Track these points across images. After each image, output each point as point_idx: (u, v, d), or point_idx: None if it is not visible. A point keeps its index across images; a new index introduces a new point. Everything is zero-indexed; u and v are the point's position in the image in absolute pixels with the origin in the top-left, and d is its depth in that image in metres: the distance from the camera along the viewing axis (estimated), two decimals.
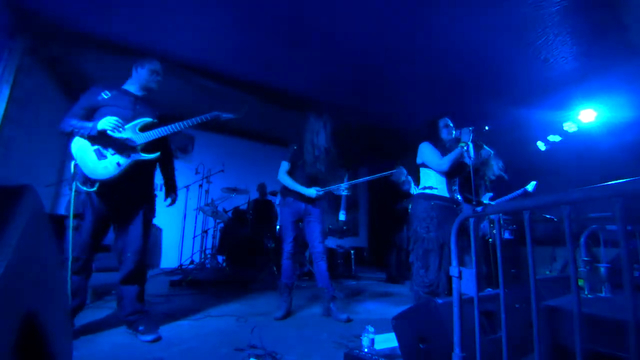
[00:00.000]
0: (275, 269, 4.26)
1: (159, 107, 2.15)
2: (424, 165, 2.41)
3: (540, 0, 2.66)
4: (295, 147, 2.68)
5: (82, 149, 1.84)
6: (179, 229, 5.56)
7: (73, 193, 1.78)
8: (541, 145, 4.57)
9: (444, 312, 1.29)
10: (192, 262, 4.98)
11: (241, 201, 5.31)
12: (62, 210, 3.02)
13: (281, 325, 2.32)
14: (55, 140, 3.55)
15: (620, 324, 0.86)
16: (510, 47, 3.28)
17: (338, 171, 2.79)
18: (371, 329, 1.68)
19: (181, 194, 5.52)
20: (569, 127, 4.26)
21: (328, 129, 2.68)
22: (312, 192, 2.58)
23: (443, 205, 2.27)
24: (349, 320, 2.44)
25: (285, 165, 2.69)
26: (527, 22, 2.91)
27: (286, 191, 2.70)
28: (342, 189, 2.70)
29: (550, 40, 3.15)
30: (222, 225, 4.98)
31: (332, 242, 5.20)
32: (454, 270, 1.15)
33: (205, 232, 4.93)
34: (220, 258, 4.88)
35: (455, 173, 2.36)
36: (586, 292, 1.37)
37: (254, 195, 5.32)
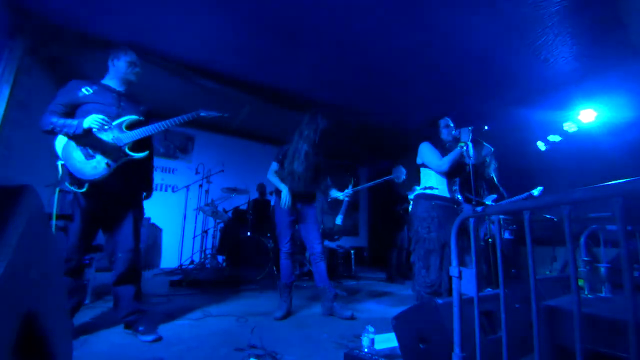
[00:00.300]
0: (275, 269, 4.26)
1: (143, 102, 2.09)
2: (424, 166, 2.41)
3: (540, 0, 2.66)
4: (286, 148, 2.69)
5: (67, 148, 1.78)
6: (179, 229, 5.56)
7: (57, 194, 1.74)
8: (541, 145, 4.57)
9: (444, 312, 1.30)
10: (192, 262, 4.99)
11: (241, 201, 5.31)
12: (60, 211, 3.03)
13: (281, 325, 2.32)
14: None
15: (620, 324, 0.86)
16: (510, 47, 3.28)
17: (321, 175, 2.78)
18: (371, 329, 1.68)
19: (181, 194, 5.59)
20: (569, 127, 4.26)
21: (318, 133, 2.64)
22: (285, 193, 2.58)
23: (444, 206, 2.27)
24: (353, 317, 2.46)
25: (274, 165, 2.71)
26: (527, 22, 2.91)
27: (280, 191, 2.70)
28: (344, 195, 2.72)
29: (550, 40, 3.15)
30: (222, 225, 4.98)
31: (332, 242, 5.20)
32: (454, 270, 1.15)
33: (205, 232, 4.93)
34: (220, 258, 4.88)
35: (455, 173, 2.36)
36: (586, 292, 1.37)
37: (254, 195, 5.33)
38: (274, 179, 2.68)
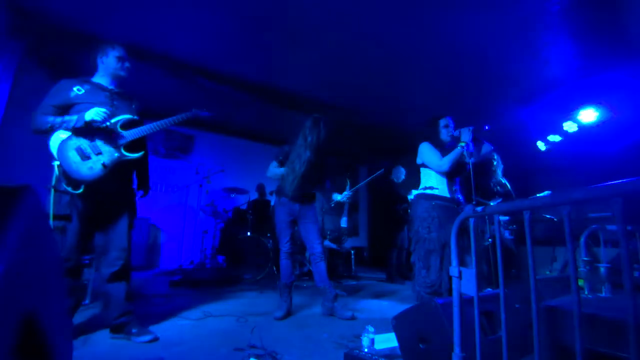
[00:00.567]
0: (275, 269, 4.26)
1: (134, 98, 2.06)
2: (424, 166, 2.41)
3: (540, 0, 2.66)
4: (286, 149, 2.69)
5: (63, 149, 1.75)
6: (179, 229, 5.56)
7: (52, 194, 1.71)
8: (541, 145, 4.57)
9: (444, 312, 1.29)
10: (192, 262, 4.99)
11: (241, 201, 5.31)
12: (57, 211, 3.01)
13: (281, 325, 2.32)
14: None
15: (620, 324, 0.86)
16: (511, 47, 3.28)
17: (322, 177, 2.76)
18: (371, 329, 1.68)
19: (181, 194, 5.58)
20: (569, 127, 4.26)
21: (322, 140, 2.59)
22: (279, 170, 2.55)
23: (444, 206, 2.27)
24: (353, 317, 2.46)
25: (273, 164, 2.70)
26: (527, 22, 2.91)
27: (281, 191, 2.70)
28: (344, 197, 2.71)
29: (550, 40, 3.15)
30: (222, 225, 4.98)
31: (339, 247, 5.20)
32: (453, 270, 1.15)
33: (205, 232, 4.93)
34: (220, 258, 4.88)
35: (456, 173, 2.36)
36: (586, 292, 1.37)
37: (254, 195, 5.33)
38: (274, 171, 2.64)
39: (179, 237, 5.55)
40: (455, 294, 1.13)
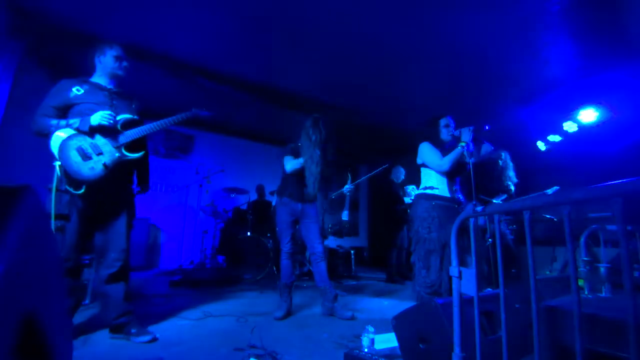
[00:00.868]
0: (275, 269, 4.26)
1: (133, 97, 2.06)
2: (425, 166, 2.41)
3: (540, 0, 2.66)
4: (292, 146, 2.68)
5: (64, 149, 1.75)
6: (179, 229, 5.56)
7: (54, 194, 1.72)
8: (541, 145, 4.57)
9: (444, 312, 1.30)
10: (192, 262, 4.99)
11: (241, 201, 5.31)
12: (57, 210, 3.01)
13: (281, 325, 2.32)
14: None
15: (620, 324, 0.86)
16: (510, 47, 3.28)
17: (330, 177, 2.77)
18: (371, 329, 1.68)
19: (181, 194, 5.58)
20: (569, 127, 4.26)
21: (324, 136, 2.61)
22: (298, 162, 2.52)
23: (444, 205, 2.26)
24: (353, 318, 2.46)
25: (289, 158, 2.64)
26: (527, 22, 2.91)
27: (283, 191, 2.70)
28: (346, 190, 2.72)
29: (550, 40, 3.15)
30: (222, 225, 4.98)
31: (332, 242, 5.20)
32: (453, 270, 1.15)
33: (205, 232, 4.93)
34: (220, 258, 4.88)
35: (456, 173, 2.36)
36: (586, 292, 1.37)
37: (254, 195, 5.33)
38: (293, 163, 2.59)
39: (179, 237, 5.54)
40: (455, 294, 1.13)
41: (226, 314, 2.48)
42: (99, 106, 1.85)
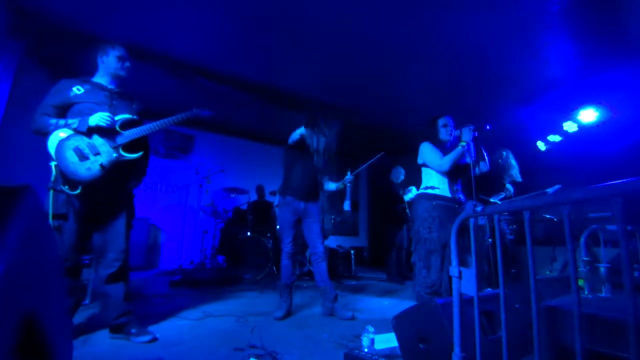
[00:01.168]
0: (275, 269, 4.26)
1: (135, 98, 2.05)
2: (425, 165, 2.41)
3: (540, 0, 2.66)
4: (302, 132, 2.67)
5: (60, 149, 1.74)
6: (179, 229, 5.56)
7: (51, 195, 1.71)
8: (541, 145, 4.57)
9: (444, 312, 1.29)
10: (192, 262, 4.99)
11: (241, 201, 5.31)
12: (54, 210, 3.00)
13: (281, 325, 2.32)
14: None
15: (620, 324, 0.86)
16: (510, 47, 3.28)
17: (333, 168, 2.81)
18: (371, 329, 1.68)
19: (181, 194, 5.58)
20: (569, 127, 4.26)
21: (325, 133, 2.66)
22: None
23: (445, 205, 2.26)
24: (353, 318, 2.46)
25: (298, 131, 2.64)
26: (527, 22, 2.91)
27: (285, 189, 2.70)
28: (347, 180, 2.73)
29: (550, 40, 3.15)
30: (222, 225, 4.98)
31: (332, 242, 5.20)
32: (453, 270, 1.15)
33: (205, 232, 4.93)
34: (220, 258, 4.88)
35: (457, 173, 2.36)
36: (586, 292, 1.37)
37: (254, 195, 5.33)
38: (294, 134, 2.62)
39: (179, 237, 5.55)
40: (455, 294, 1.13)
41: (226, 314, 2.48)
42: (99, 106, 1.84)
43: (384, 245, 4.91)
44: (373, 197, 7.92)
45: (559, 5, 2.68)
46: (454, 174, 2.34)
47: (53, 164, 1.73)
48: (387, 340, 1.69)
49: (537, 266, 0.95)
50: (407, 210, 4.57)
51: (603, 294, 1.33)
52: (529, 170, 3.91)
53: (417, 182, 2.55)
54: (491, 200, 3.10)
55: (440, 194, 2.29)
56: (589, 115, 4.12)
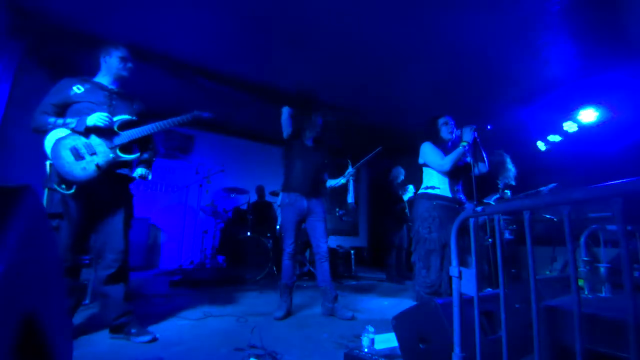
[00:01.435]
0: (275, 269, 4.26)
1: (136, 99, 2.05)
2: (426, 165, 2.40)
3: (540, 0, 2.66)
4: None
5: (57, 148, 1.73)
6: (179, 229, 5.56)
7: (46, 195, 1.71)
8: (541, 145, 4.57)
9: (444, 312, 1.29)
10: (192, 262, 4.99)
11: (241, 201, 5.31)
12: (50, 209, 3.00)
13: (281, 325, 2.32)
14: None
15: (620, 324, 0.86)
16: (510, 47, 3.28)
17: (325, 172, 2.84)
18: (371, 329, 1.68)
19: (181, 194, 5.58)
20: (569, 127, 4.25)
21: (318, 126, 2.80)
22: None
23: (445, 205, 2.26)
24: (353, 318, 2.46)
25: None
26: (527, 22, 2.91)
27: (288, 185, 2.69)
28: (348, 174, 2.74)
29: (550, 40, 3.15)
30: (222, 225, 4.98)
31: (332, 242, 5.19)
32: (453, 270, 1.15)
33: (205, 232, 4.93)
34: (220, 258, 4.88)
35: (458, 173, 2.36)
36: (586, 292, 1.37)
37: (254, 195, 5.33)
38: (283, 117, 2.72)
39: (179, 237, 5.55)
40: (455, 294, 1.13)
41: (226, 314, 2.48)
42: (97, 106, 1.84)
43: (384, 245, 4.91)
44: (373, 197, 7.91)
45: (559, 5, 2.68)
46: (454, 174, 2.34)
47: (48, 162, 1.73)
48: (387, 340, 1.69)
49: (537, 266, 0.95)
50: (407, 210, 4.57)
51: (603, 294, 1.33)
52: (529, 170, 3.92)
53: (418, 182, 2.55)
54: (484, 201, 3.11)
55: (441, 194, 2.29)
56: (589, 115, 4.11)
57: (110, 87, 1.96)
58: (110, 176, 1.85)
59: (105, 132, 1.83)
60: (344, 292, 3.59)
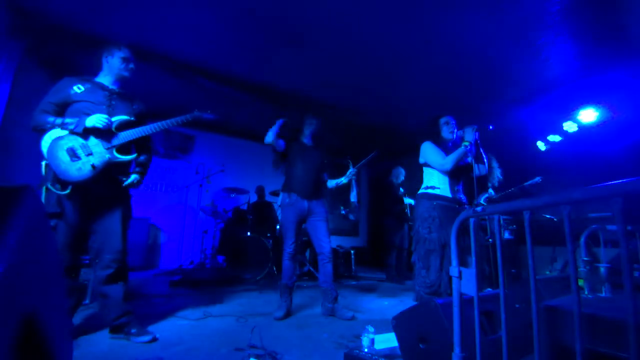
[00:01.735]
0: (275, 269, 4.26)
1: (136, 99, 2.04)
2: (427, 165, 2.40)
3: (540, 0, 2.66)
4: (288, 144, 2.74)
5: (53, 148, 1.73)
6: (179, 229, 5.56)
7: (44, 193, 1.70)
8: (541, 145, 4.57)
9: (444, 312, 1.30)
10: (192, 262, 4.99)
11: (241, 201, 5.32)
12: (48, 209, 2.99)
13: (281, 325, 2.32)
14: None
15: (620, 324, 0.86)
16: (510, 47, 3.28)
17: (325, 172, 2.85)
18: (371, 329, 1.68)
19: (181, 194, 5.58)
20: (569, 127, 4.25)
21: (315, 130, 2.82)
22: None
23: (445, 205, 2.26)
24: (353, 318, 2.46)
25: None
26: (527, 22, 2.91)
27: (288, 186, 2.69)
28: (349, 174, 2.74)
29: (550, 40, 3.15)
30: (222, 225, 4.99)
31: (332, 242, 5.19)
32: (453, 270, 1.15)
33: (205, 232, 4.93)
34: (220, 258, 4.88)
35: (459, 173, 2.35)
36: (586, 292, 1.36)
37: (254, 196, 5.33)
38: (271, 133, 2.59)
39: (179, 237, 5.55)
40: (455, 294, 1.13)
41: (226, 314, 2.48)
42: (97, 106, 1.84)
43: (384, 245, 4.91)
44: (373, 197, 7.92)
45: (559, 5, 2.68)
46: (455, 174, 2.33)
47: (44, 162, 1.73)
48: (387, 340, 1.69)
49: (537, 266, 0.95)
50: (407, 210, 4.57)
51: (603, 294, 1.33)
52: (529, 171, 3.92)
53: (418, 182, 2.55)
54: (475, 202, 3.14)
55: (441, 194, 2.29)
56: (589, 115, 4.11)
57: (111, 87, 1.96)
58: (107, 177, 1.85)
59: (103, 133, 1.83)
60: (344, 292, 3.59)
